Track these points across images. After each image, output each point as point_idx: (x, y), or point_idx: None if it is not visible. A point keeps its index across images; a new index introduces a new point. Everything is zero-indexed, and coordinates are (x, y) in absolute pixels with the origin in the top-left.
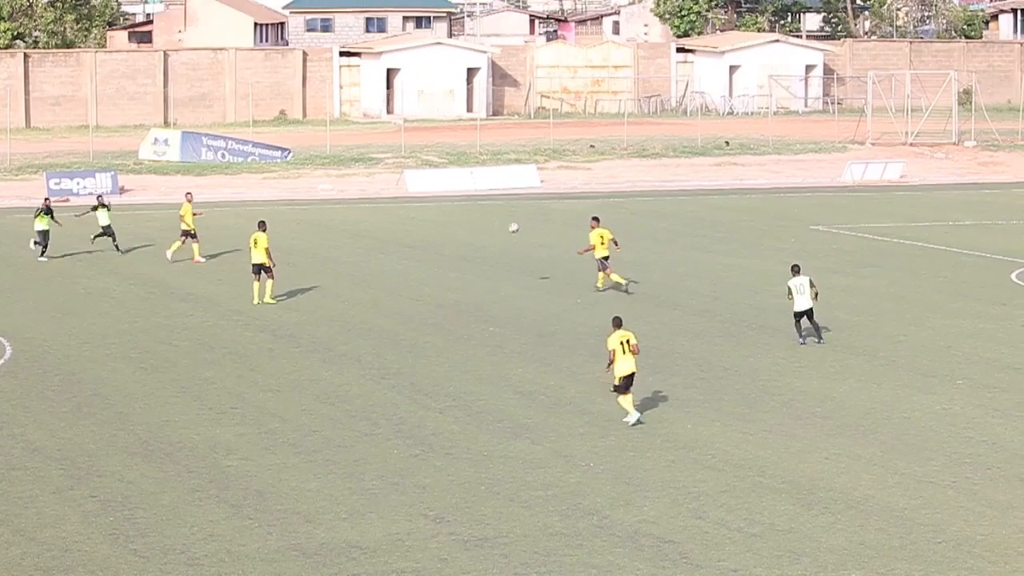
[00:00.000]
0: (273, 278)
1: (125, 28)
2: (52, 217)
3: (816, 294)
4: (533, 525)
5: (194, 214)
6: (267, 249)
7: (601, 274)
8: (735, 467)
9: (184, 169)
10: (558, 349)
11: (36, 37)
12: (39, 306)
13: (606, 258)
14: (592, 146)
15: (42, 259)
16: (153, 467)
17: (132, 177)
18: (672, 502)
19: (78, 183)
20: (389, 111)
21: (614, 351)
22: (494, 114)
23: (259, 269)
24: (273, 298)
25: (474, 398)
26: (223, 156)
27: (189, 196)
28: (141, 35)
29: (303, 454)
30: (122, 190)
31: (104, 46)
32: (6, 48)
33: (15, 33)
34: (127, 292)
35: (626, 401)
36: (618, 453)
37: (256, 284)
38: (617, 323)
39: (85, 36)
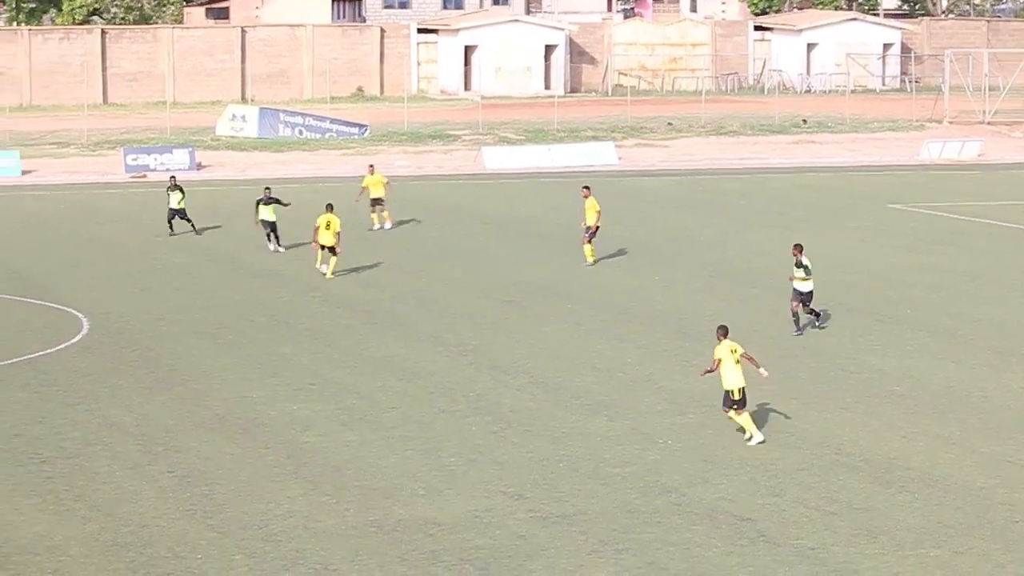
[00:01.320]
0: (336, 256)
1: (202, 4)
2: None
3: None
4: (611, 502)
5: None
6: (338, 233)
7: (588, 247)
8: (813, 445)
9: (261, 145)
10: (636, 326)
11: (113, 13)
12: (116, 282)
13: (594, 230)
14: (670, 124)
15: (184, 234)
16: (230, 443)
17: (209, 153)
18: (750, 480)
19: (155, 159)
20: (466, 88)
21: (719, 360)
22: (571, 91)
23: (323, 248)
24: (333, 274)
25: (552, 375)
26: (300, 132)
27: (371, 168)
28: (218, 11)
29: (381, 430)
30: (199, 166)
31: (181, 22)
32: (83, 24)
33: (92, 9)
34: (204, 268)
35: (744, 419)
36: (696, 430)
37: (321, 254)
38: (724, 332)
39: (162, 12)
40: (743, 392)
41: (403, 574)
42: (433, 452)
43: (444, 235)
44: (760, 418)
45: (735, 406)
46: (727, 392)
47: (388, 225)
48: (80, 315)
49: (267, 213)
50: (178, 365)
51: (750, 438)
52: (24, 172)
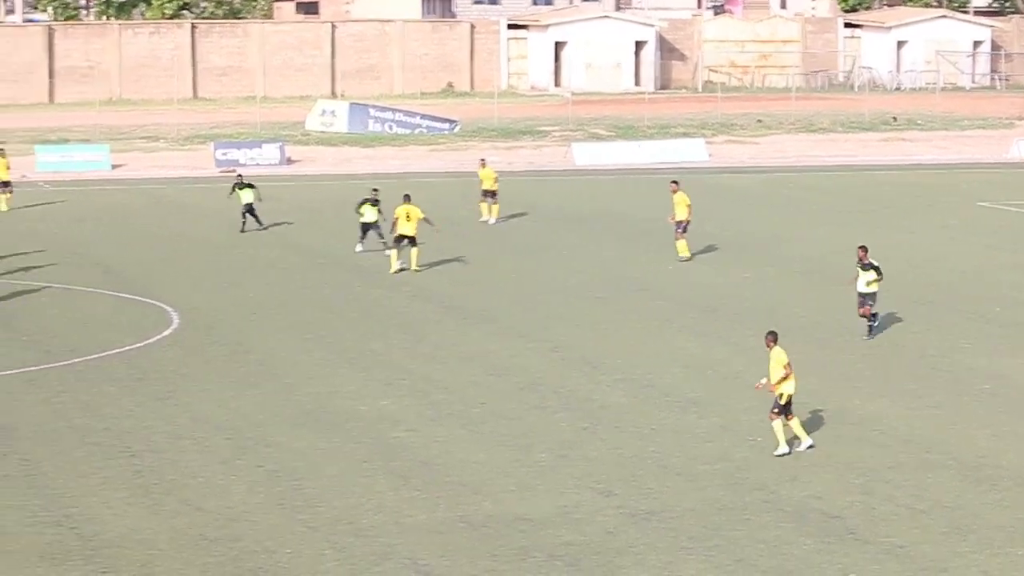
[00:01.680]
0: (417, 247)
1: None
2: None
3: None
4: (700, 499)
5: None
6: (422, 219)
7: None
8: (902, 443)
9: (351, 140)
10: (725, 323)
11: (203, 8)
12: (206, 276)
13: (685, 224)
14: (760, 121)
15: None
16: (320, 438)
17: (299, 148)
18: (839, 477)
19: (245, 153)
20: (556, 84)
21: (790, 365)
22: (661, 88)
23: (402, 239)
24: (419, 267)
25: (642, 372)
26: (390, 128)
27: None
28: (308, 6)
29: (470, 426)
30: (289, 161)
31: (271, 17)
32: (173, 19)
33: (181, 3)
34: (293, 262)
35: (797, 426)
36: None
37: (394, 253)
38: (776, 338)
39: (252, 7)
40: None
41: (492, 570)
42: (523, 448)
43: (534, 231)
44: (847, 415)
45: (786, 412)
46: (783, 396)
47: (493, 220)
48: (170, 309)
49: (371, 215)
50: (268, 360)
51: (800, 445)
52: (114, 166)
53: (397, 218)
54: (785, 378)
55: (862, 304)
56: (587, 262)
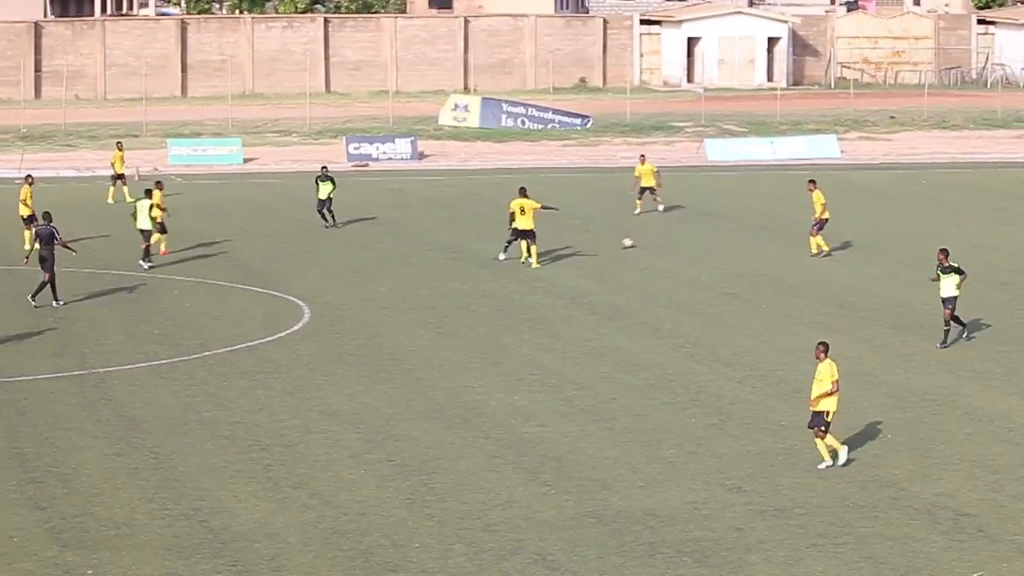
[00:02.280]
0: (535, 243)
1: None
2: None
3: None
4: (830, 496)
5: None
6: (540, 207)
7: (813, 239)
8: None
9: (484, 135)
10: (858, 320)
11: (336, 2)
12: (337, 271)
13: (822, 222)
14: (892, 117)
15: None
16: (450, 432)
17: (432, 143)
18: (969, 475)
19: (377, 148)
20: (689, 79)
21: (837, 383)
22: (794, 84)
23: (518, 234)
24: (539, 262)
25: (773, 368)
26: (523, 123)
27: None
28: (441, 1)
29: (601, 421)
30: (422, 155)
31: (404, 11)
32: (306, 12)
33: None
34: (425, 257)
35: (833, 442)
36: (916, 425)
37: (506, 248)
38: (827, 349)
39: (385, 2)
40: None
41: (621, 565)
42: (652, 444)
43: (666, 227)
44: (979, 412)
45: (826, 428)
46: (829, 413)
47: (660, 208)
48: (301, 303)
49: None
50: (399, 354)
51: (833, 461)
52: (246, 160)
53: (513, 212)
54: (830, 393)
55: (946, 307)
56: (718, 258)
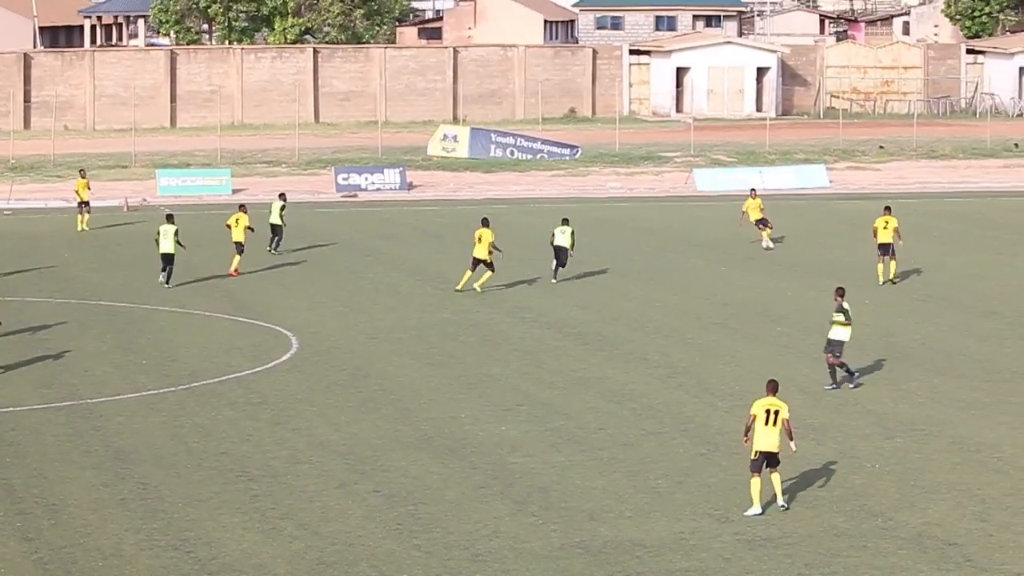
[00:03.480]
0: (493, 272)
1: (415, 24)
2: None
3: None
4: (818, 525)
5: None
6: (491, 244)
7: (881, 265)
8: (1021, 470)
9: (473, 166)
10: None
11: (326, 32)
12: (325, 301)
13: (888, 245)
14: (881, 147)
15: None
16: (438, 463)
17: (421, 173)
18: (957, 505)
19: (366, 178)
20: (679, 109)
21: (754, 417)
22: (783, 113)
23: (478, 263)
24: (483, 288)
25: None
26: (512, 153)
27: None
28: (431, 31)
29: (588, 451)
30: (411, 186)
31: (393, 42)
32: (295, 43)
33: (304, 28)
34: (413, 288)
35: (754, 485)
36: (903, 455)
37: (467, 273)
38: (771, 387)
39: (375, 32)
40: (772, 458)
41: None
42: (640, 474)
43: (655, 257)
44: (966, 442)
45: (756, 470)
46: (758, 453)
47: (767, 244)
48: (289, 334)
49: (562, 239)
50: (387, 384)
51: (749, 509)
52: (235, 190)
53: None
54: (748, 428)
55: (825, 349)
56: (708, 288)
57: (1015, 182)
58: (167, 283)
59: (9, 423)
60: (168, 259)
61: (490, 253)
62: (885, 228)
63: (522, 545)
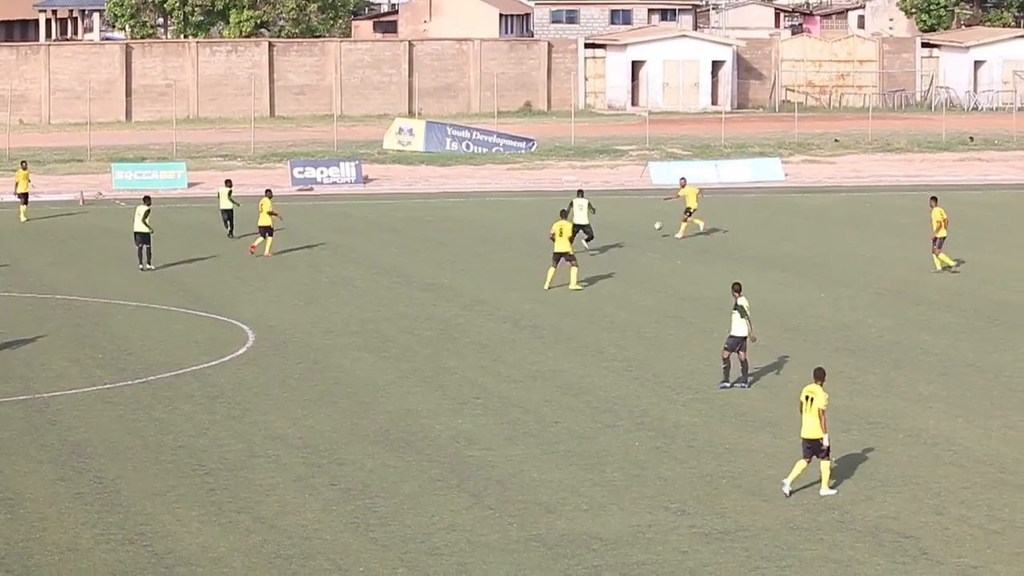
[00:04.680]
0: (576, 264)
1: (370, 18)
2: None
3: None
4: (774, 519)
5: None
6: (571, 238)
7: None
8: (977, 463)
9: (428, 159)
10: (801, 343)
11: (281, 26)
12: (281, 294)
13: (941, 239)
14: (836, 140)
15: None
16: (394, 456)
17: (376, 166)
18: (913, 498)
19: (322, 172)
20: (634, 103)
21: (800, 403)
22: (738, 107)
23: (559, 257)
24: (578, 285)
25: (716, 391)
26: (467, 147)
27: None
28: (386, 25)
29: (545, 445)
30: (366, 179)
31: (349, 35)
32: (250, 37)
33: (259, 22)
34: (370, 281)
35: (796, 466)
36: (859, 448)
37: (551, 271)
38: (817, 374)
39: (330, 26)
40: (814, 445)
41: None
42: (596, 467)
43: (610, 250)
44: (922, 435)
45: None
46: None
47: (700, 227)
48: (245, 327)
49: (581, 216)
50: (343, 378)
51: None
52: (190, 184)
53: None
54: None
55: (726, 345)
56: (663, 281)
57: (970, 176)
58: (144, 266)
59: None
60: (142, 238)
61: (571, 241)
62: (939, 222)
63: (479, 538)
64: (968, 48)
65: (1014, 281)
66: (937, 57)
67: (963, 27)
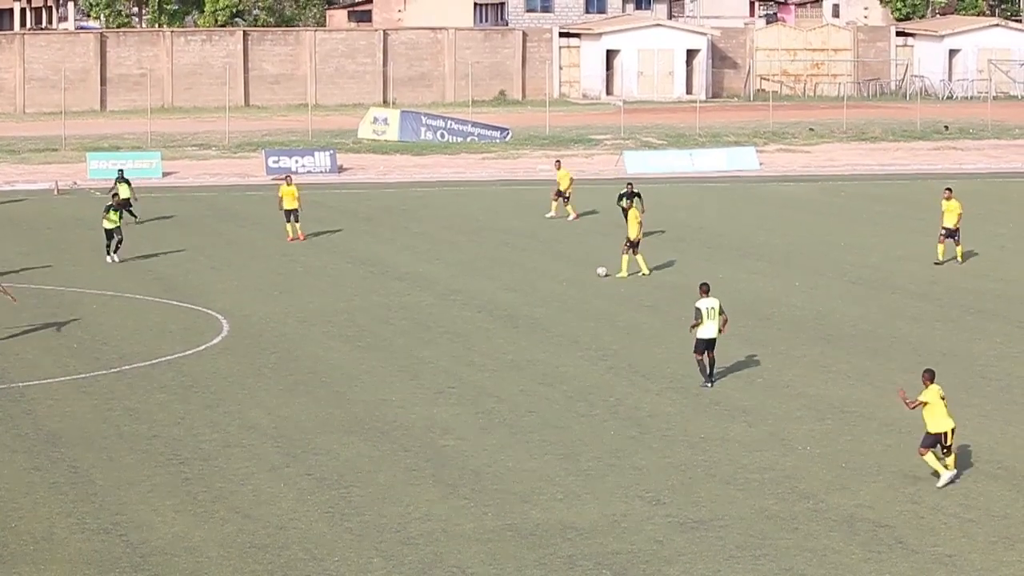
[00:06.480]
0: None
1: (344, 7)
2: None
3: (725, 322)
4: (749, 508)
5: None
6: (641, 223)
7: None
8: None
9: (403, 148)
10: (775, 332)
11: (255, 15)
12: (256, 284)
13: (954, 231)
14: (811, 129)
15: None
16: (369, 446)
17: (351, 156)
18: (888, 487)
19: (297, 161)
20: (609, 92)
21: (925, 403)
22: (713, 96)
23: (632, 245)
24: (649, 269)
25: (691, 380)
26: (442, 136)
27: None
28: (360, 14)
29: (519, 434)
30: (341, 168)
31: (323, 24)
32: (225, 26)
33: (234, 11)
34: (344, 271)
35: (929, 460)
36: (835, 437)
37: (625, 258)
38: (930, 376)
39: (304, 14)
40: (946, 438)
41: None
42: (571, 456)
43: (585, 240)
44: (897, 424)
45: (932, 445)
46: (932, 434)
47: (571, 217)
48: (220, 317)
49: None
50: (317, 368)
51: (939, 480)
52: (165, 174)
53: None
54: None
55: (696, 349)
56: (636, 270)
57: (945, 165)
58: (112, 258)
59: None
60: (109, 234)
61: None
62: (958, 214)
63: (454, 528)
64: (943, 37)
65: (989, 270)
66: (912, 46)
67: (938, 16)
